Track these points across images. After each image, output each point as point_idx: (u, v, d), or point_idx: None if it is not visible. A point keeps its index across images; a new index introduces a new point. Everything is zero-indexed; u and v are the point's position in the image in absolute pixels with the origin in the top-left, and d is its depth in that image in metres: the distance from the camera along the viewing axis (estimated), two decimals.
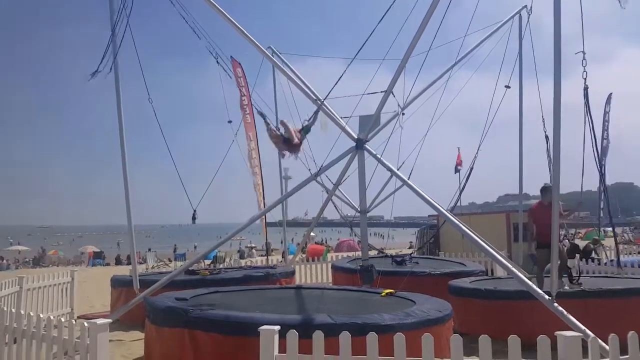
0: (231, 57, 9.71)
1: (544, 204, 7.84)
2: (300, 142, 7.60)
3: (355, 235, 10.95)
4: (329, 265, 12.91)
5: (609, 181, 15.68)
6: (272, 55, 9.97)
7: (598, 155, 7.00)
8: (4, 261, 38.27)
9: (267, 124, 8.01)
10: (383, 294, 6.85)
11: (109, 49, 7.78)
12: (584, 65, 6.38)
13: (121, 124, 7.88)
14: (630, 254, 20.23)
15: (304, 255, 16.06)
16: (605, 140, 15.32)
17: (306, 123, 7.80)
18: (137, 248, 9.74)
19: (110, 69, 7.71)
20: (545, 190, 7.93)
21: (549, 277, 6.22)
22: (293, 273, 11.17)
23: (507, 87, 10.70)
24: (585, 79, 6.43)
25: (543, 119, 10.12)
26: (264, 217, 13.73)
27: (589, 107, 6.85)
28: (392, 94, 7.95)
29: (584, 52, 6.47)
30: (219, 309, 5.49)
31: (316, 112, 7.81)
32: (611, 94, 15.86)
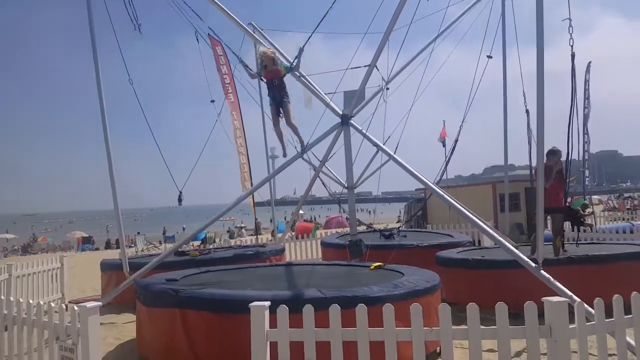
0: (208, 35, 9.50)
1: (551, 167, 7.84)
2: (282, 75, 7.09)
3: (343, 211, 10.97)
4: (319, 241, 12.99)
5: (592, 149, 15.86)
6: (254, 32, 9.82)
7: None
8: None
9: (249, 71, 7.70)
10: (372, 267, 6.92)
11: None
12: (570, 32, 6.37)
13: (102, 107, 7.74)
14: (615, 220, 20.63)
15: (293, 233, 16.14)
16: (586, 109, 15.45)
17: (292, 63, 7.32)
18: (126, 232, 9.71)
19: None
20: (551, 153, 7.97)
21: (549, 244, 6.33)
22: (283, 251, 11.23)
23: (489, 57, 10.67)
24: (572, 45, 6.42)
25: (524, 94, 10.15)
26: (252, 196, 13.74)
27: (574, 73, 6.87)
28: (376, 68, 7.90)
29: (570, 19, 6.46)
30: (210, 288, 5.51)
31: (300, 53, 7.20)
32: (590, 62, 15.94)
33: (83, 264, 17.93)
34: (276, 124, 7.33)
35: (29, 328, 4.56)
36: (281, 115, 7.24)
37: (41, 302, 4.69)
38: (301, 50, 7.21)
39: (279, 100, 7.06)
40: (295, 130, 7.42)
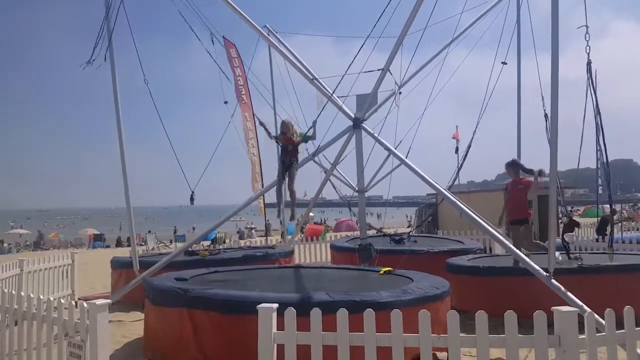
0: (223, 37, 9.58)
1: (515, 180, 8.13)
2: (297, 144, 7.61)
3: (354, 215, 10.96)
4: (328, 244, 12.97)
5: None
6: (268, 35, 9.86)
7: (602, 132, 7.00)
8: (5, 245, 38.46)
9: (267, 132, 8.13)
10: (381, 272, 6.89)
11: (103, 31, 7.73)
12: (587, 39, 6.33)
13: (118, 110, 7.87)
14: (629, 230, 20.33)
15: (302, 235, 16.14)
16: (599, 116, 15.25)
17: (309, 133, 7.79)
18: (138, 230, 9.77)
19: (105, 58, 7.71)
20: (508, 165, 8.22)
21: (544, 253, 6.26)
22: (292, 253, 11.23)
23: (504, 63, 10.57)
24: (588, 53, 6.37)
25: (542, 97, 10.05)
26: (262, 198, 13.76)
27: (591, 80, 6.80)
28: (389, 72, 7.88)
29: (587, 26, 6.40)
30: (218, 288, 5.52)
31: (314, 124, 7.82)
32: (596, 70, 15.79)
33: (94, 261, 18.06)
34: (279, 188, 7.84)
35: (39, 323, 4.60)
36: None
37: (51, 298, 4.73)
38: (315, 122, 7.85)
39: (288, 164, 7.52)
40: (293, 195, 7.75)
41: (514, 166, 8.28)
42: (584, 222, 17.81)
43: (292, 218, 8.51)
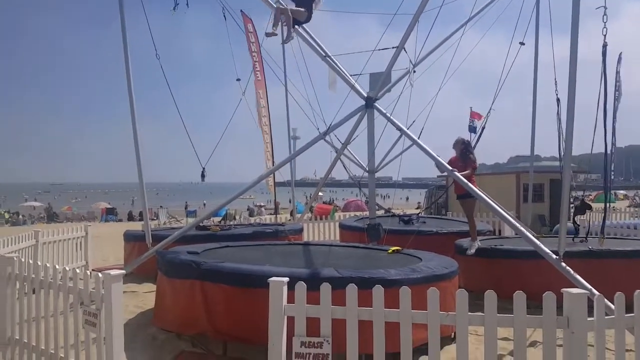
0: (241, 11, 9.49)
1: (457, 157, 8.14)
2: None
3: (364, 195, 10.97)
4: (337, 223, 13.04)
5: (620, 143, 15.44)
6: None
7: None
8: (20, 217, 39.10)
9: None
10: (390, 251, 6.93)
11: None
12: (604, 20, 6.18)
13: (130, 82, 7.88)
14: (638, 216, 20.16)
15: (311, 215, 16.22)
16: (616, 102, 15.01)
17: None
18: (150, 205, 9.86)
19: None
20: (454, 144, 8.24)
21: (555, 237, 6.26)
22: (301, 230, 11.31)
23: (522, 44, 10.42)
24: (605, 35, 6.23)
25: (555, 82, 9.93)
26: (273, 176, 13.82)
27: (605, 66, 6.69)
28: (404, 49, 7.81)
29: (605, 7, 6.26)
30: (229, 262, 5.61)
31: None
32: (621, 53, 15.52)
33: (106, 233, 18.32)
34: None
35: (55, 292, 4.71)
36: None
37: (67, 268, 4.83)
38: None
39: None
40: None
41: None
42: (595, 208, 17.73)
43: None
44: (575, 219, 8.96)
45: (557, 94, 9.84)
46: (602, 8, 6.23)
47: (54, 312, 4.71)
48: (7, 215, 39.01)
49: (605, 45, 6.44)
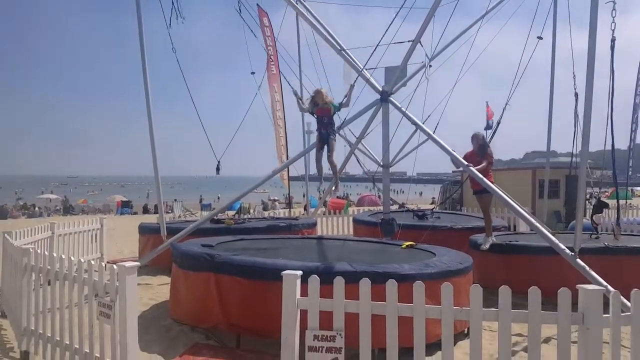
0: (257, 5, 9.48)
1: (473, 151, 8.02)
2: (332, 114, 7.24)
3: (378, 190, 10.93)
4: (350, 218, 13.03)
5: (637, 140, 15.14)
6: (296, 3, 9.73)
7: (611, 110, 6.85)
8: (37, 209, 39.66)
9: (300, 104, 7.81)
10: (403, 246, 6.91)
11: None
12: (613, 15, 6.12)
13: (145, 75, 7.91)
14: None
15: (325, 209, 16.22)
16: (638, 97, 14.69)
17: (342, 101, 7.38)
18: (165, 198, 9.93)
19: None
20: (472, 137, 8.11)
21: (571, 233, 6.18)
22: (315, 224, 11.33)
23: (539, 38, 10.25)
24: (613, 30, 6.17)
25: (574, 76, 9.79)
26: (287, 170, 13.82)
27: (613, 59, 6.61)
28: (420, 43, 7.74)
29: (614, 2, 6.19)
30: (244, 255, 5.63)
31: (350, 90, 7.45)
32: None
33: (121, 226, 18.52)
34: (318, 160, 7.43)
35: (70, 283, 4.77)
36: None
37: (82, 260, 4.89)
38: (352, 87, 7.49)
39: (325, 137, 7.18)
40: (334, 168, 7.48)
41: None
42: (612, 204, 17.51)
43: (336, 188, 8.26)
44: (594, 218, 8.83)
45: (575, 89, 9.72)
46: (611, 3, 6.18)
47: (69, 304, 4.77)
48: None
49: (613, 40, 6.39)
